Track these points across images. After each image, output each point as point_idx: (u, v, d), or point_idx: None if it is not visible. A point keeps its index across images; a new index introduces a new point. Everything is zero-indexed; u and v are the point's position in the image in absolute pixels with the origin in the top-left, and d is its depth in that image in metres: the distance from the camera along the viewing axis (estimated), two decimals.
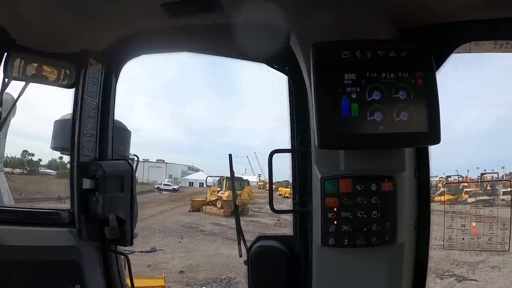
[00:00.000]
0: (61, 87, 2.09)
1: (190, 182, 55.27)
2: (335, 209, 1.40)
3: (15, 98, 2.90)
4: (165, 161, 61.14)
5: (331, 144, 1.35)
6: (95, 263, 2.07)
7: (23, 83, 2.27)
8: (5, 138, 4.48)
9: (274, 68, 1.95)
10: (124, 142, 3.06)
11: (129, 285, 2.27)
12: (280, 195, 29.44)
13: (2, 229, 1.91)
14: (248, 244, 1.86)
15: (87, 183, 1.99)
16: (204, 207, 24.72)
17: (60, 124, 3.21)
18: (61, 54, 2.04)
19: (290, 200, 1.96)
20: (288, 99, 1.94)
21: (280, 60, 1.91)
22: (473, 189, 12.59)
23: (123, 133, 3.15)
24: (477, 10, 1.48)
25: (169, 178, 53.09)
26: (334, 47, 1.32)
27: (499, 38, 1.80)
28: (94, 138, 2.12)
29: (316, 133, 1.31)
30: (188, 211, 24.35)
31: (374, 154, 1.44)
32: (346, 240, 1.40)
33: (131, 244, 2.10)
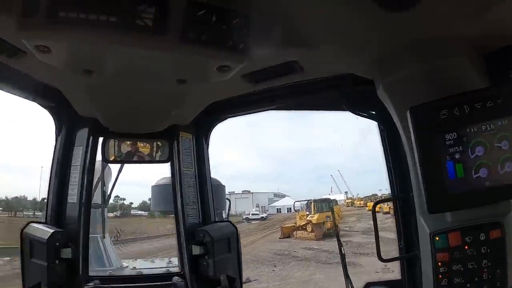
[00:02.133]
0: (157, 162, 2.28)
1: (277, 209, 55.41)
2: (446, 263, 1.38)
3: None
4: (251, 191, 62.70)
5: (441, 208, 1.34)
6: None
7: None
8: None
9: (362, 116, 1.95)
10: (219, 196, 3.40)
11: None
12: (370, 210, 27.70)
13: None
14: None
15: (196, 250, 2.13)
16: (294, 232, 24.49)
17: (157, 189, 3.70)
18: (152, 134, 2.22)
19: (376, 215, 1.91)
20: (381, 144, 1.92)
21: (367, 106, 1.92)
22: None
23: (218, 189, 3.51)
24: None
25: (256, 207, 53.84)
26: (431, 108, 1.31)
27: None
28: (196, 205, 2.26)
29: (425, 198, 1.31)
30: (279, 238, 24.34)
31: None
32: None
33: None
